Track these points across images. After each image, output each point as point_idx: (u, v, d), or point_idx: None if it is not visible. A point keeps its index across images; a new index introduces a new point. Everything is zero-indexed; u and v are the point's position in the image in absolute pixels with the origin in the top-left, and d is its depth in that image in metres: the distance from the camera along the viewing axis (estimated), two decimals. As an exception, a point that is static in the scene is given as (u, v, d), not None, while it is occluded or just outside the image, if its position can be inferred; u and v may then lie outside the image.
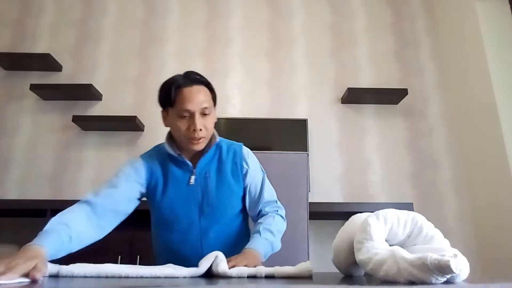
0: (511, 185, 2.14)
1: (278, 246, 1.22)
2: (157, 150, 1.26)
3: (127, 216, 1.17)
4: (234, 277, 0.76)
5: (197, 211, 1.18)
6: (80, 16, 2.88)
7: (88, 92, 2.58)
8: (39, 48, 2.76)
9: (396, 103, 2.71)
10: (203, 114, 1.13)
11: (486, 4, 2.44)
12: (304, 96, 2.73)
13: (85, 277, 0.72)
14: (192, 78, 1.15)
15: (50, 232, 0.91)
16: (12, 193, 2.48)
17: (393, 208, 0.73)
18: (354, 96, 2.64)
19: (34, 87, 2.55)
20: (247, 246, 1.12)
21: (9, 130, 2.61)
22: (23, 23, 2.84)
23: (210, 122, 1.15)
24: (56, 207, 2.10)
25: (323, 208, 2.19)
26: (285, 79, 2.76)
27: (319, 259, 2.35)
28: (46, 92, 2.59)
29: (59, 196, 2.47)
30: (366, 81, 2.76)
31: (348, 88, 2.59)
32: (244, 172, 1.24)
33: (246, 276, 0.77)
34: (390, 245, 0.68)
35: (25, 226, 2.43)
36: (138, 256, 1.92)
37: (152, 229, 1.26)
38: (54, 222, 0.96)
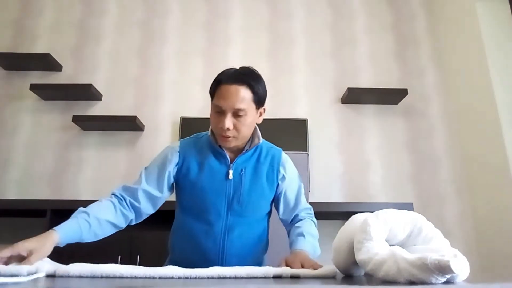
0: (511, 185, 2.14)
1: (318, 250, 1.21)
2: (198, 138, 1.27)
3: (161, 204, 1.21)
4: (260, 278, 0.75)
5: (226, 205, 1.17)
6: (80, 16, 2.88)
7: (88, 92, 2.58)
8: (39, 48, 2.76)
9: (396, 103, 2.71)
10: (237, 114, 1.11)
11: (486, 4, 2.44)
12: (304, 96, 2.73)
13: (81, 277, 0.72)
14: (237, 77, 1.13)
15: (70, 219, 1.00)
16: (12, 193, 2.48)
17: (393, 208, 0.73)
18: (354, 96, 2.64)
19: (34, 87, 2.55)
20: (295, 247, 1.11)
21: (9, 130, 2.61)
22: (23, 23, 2.84)
23: (243, 123, 1.12)
24: (56, 207, 2.10)
25: (323, 208, 2.19)
26: (285, 79, 2.76)
27: (319, 259, 2.36)
28: (46, 92, 2.59)
29: (59, 196, 2.47)
30: (366, 81, 2.76)
31: (348, 88, 2.59)
32: (280, 177, 1.24)
33: (272, 276, 0.76)
34: (390, 245, 0.68)
35: (25, 226, 2.43)
36: (138, 256, 1.92)
37: (177, 215, 1.26)
38: (77, 211, 1.03)
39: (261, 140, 1.24)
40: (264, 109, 1.22)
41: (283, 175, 1.24)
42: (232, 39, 2.85)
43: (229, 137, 1.12)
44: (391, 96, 2.65)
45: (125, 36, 2.83)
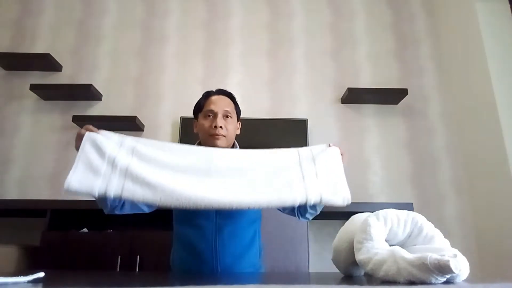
0: (511, 185, 2.14)
1: None
2: None
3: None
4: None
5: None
6: (80, 16, 2.88)
7: (88, 92, 2.58)
8: (39, 48, 2.76)
9: (396, 103, 2.71)
10: (226, 116, 1.33)
11: (486, 4, 2.44)
12: (304, 96, 2.73)
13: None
14: (220, 91, 1.40)
15: None
16: (12, 193, 2.48)
17: (393, 208, 0.73)
18: (354, 96, 2.63)
19: (34, 87, 2.54)
20: None
21: (9, 130, 2.61)
22: (23, 23, 2.84)
23: (231, 125, 1.34)
24: (56, 207, 2.10)
25: (323, 208, 2.18)
26: (285, 79, 2.76)
27: (319, 259, 2.36)
28: (46, 92, 2.59)
29: (59, 196, 2.47)
30: (366, 81, 2.76)
31: (348, 88, 2.59)
32: None
33: (297, 204, 0.99)
34: (390, 245, 0.68)
35: (25, 226, 2.43)
36: (138, 256, 1.92)
37: (174, 230, 1.39)
38: None
39: (237, 146, 1.41)
40: (240, 123, 1.44)
41: None
42: (232, 39, 2.85)
43: (220, 135, 1.30)
44: (391, 96, 2.64)
45: (125, 36, 2.83)
